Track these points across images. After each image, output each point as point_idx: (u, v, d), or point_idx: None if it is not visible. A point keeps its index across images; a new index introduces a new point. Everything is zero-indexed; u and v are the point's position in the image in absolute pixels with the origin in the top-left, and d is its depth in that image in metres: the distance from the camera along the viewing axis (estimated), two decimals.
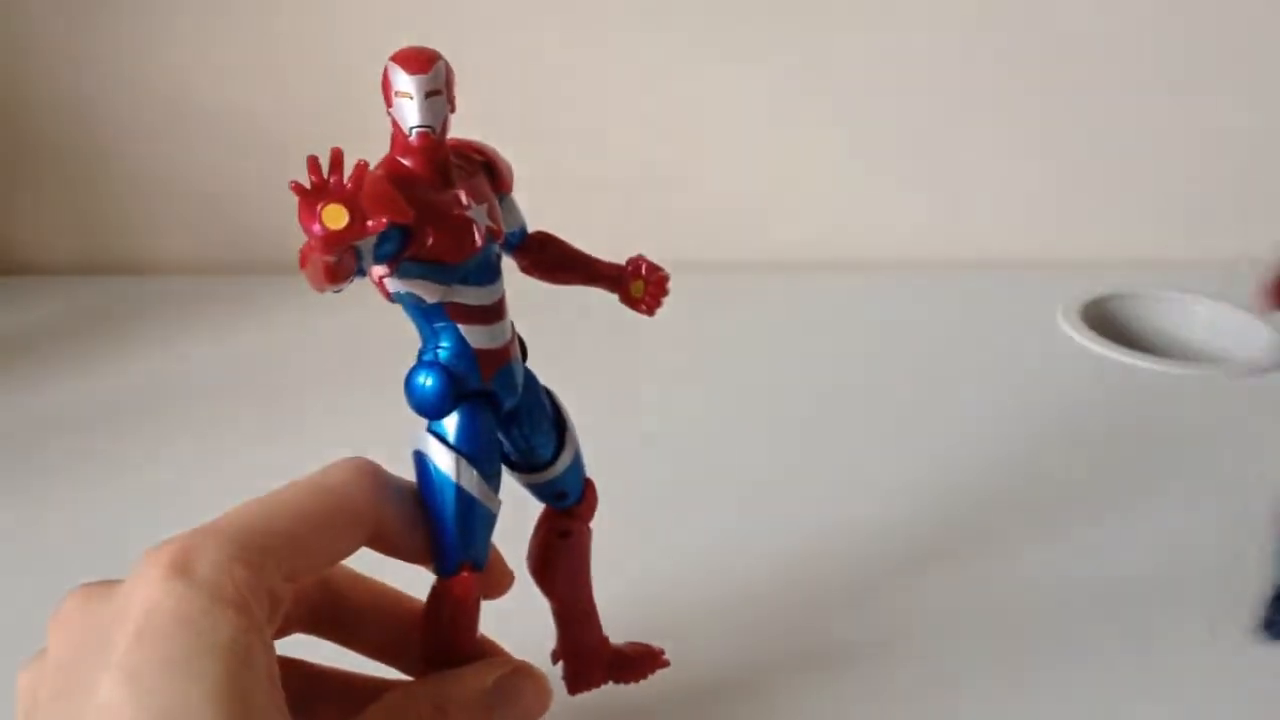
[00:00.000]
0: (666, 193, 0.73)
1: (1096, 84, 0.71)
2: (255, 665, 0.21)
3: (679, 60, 0.70)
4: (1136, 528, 0.45)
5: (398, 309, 0.25)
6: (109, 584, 0.23)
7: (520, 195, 0.27)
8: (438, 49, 0.24)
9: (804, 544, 0.44)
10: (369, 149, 0.74)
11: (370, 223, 0.20)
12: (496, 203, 0.26)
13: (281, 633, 0.26)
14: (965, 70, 0.70)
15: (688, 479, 0.48)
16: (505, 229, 0.26)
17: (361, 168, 0.21)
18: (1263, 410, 0.49)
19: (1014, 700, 0.36)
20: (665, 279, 0.29)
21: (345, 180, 0.21)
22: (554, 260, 0.28)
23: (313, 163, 0.20)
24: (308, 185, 0.20)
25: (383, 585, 0.29)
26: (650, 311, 0.29)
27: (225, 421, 0.55)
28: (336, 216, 0.20)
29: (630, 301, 0.29)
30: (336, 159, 0.21)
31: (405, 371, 0.26)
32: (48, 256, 0.76)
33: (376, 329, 0.65)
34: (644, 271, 0.29)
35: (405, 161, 0.24)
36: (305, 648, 0.27)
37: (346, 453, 0.55)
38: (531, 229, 0.28)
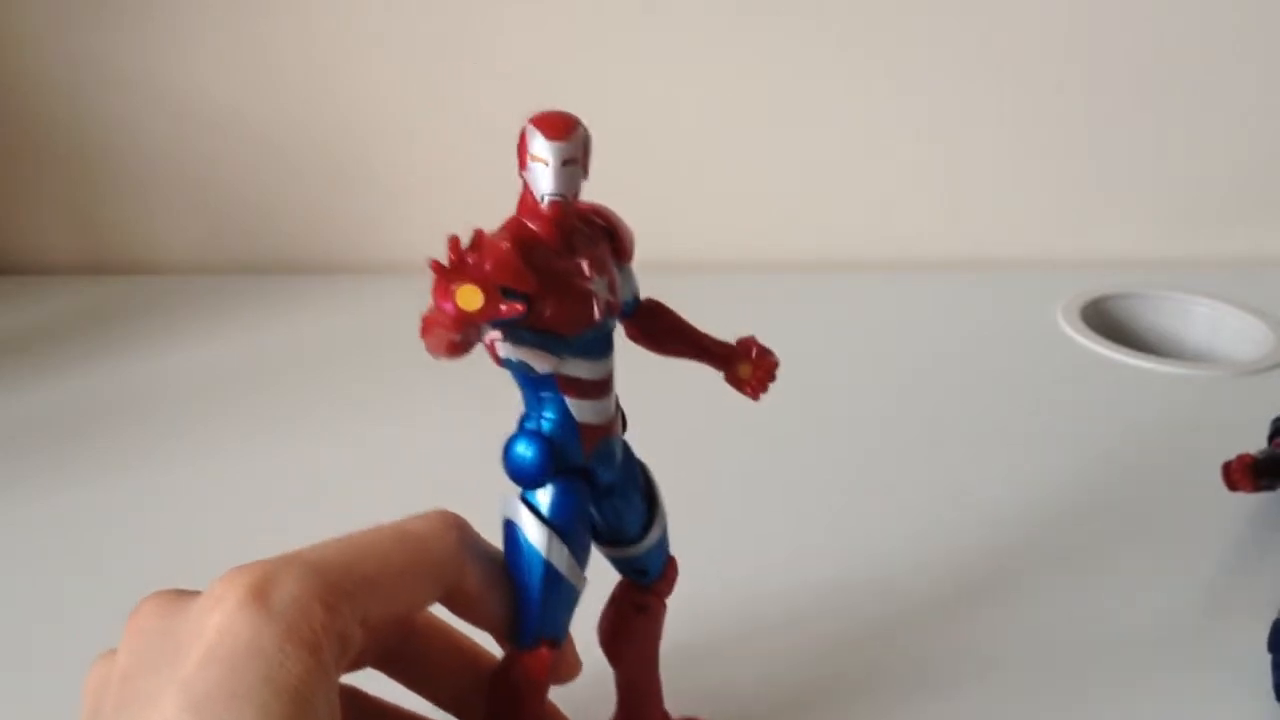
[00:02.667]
0: (666, 194, 0.73)
1: (1097, 84, 0.71)
2: (318, 710, 0.20)
3: (678, 61, 0.70)
4: (1136, 528, 0.45)
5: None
6: (186, 594, 0.23)
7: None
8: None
9: (800, 546, 0.44)
10: (365, 149, 0.74)
11: (504, 306, 0.20)
12: (617, 275, 0.25)
13: (352, 666, 0.26)
14: (966, 71, 0.70)
15: (684, 483, 0.48)
16: (626, 295, 0.26)
17: (492, 243, 0.21)
18: (1263, 410, 0.49)
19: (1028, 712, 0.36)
20: (774, 365, 0.28)
21: (484, 260, 0.20)
22: (663, 331, 0.28)
23: (453, 242, 0.20)
24: (445, 262, 0.20)
25: (461, 636, 0.28)
26: (755, 396, 0.28)
27: (226, 421, 0.55)
28: (471, 298, 0.20)
29: (736, 382, 0.28)
30: (478, 240, 0.21)
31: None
32: (48, 256, 0.76)
33: (378, 329, 0.65)
34: (753, 355, 0.28)
35: (531, 225, 0.23)
36: (373, 682, 0.27)
37: (346, 451, 0.55)
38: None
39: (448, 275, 0.20)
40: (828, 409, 0.54)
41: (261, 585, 0.21)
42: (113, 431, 0.54)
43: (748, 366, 0.28)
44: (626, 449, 0.27)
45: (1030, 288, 0.69)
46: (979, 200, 0.75)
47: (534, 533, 0.25)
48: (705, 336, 0.28)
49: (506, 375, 0.25)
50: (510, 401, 0.26)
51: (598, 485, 0.26)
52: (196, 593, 0.23)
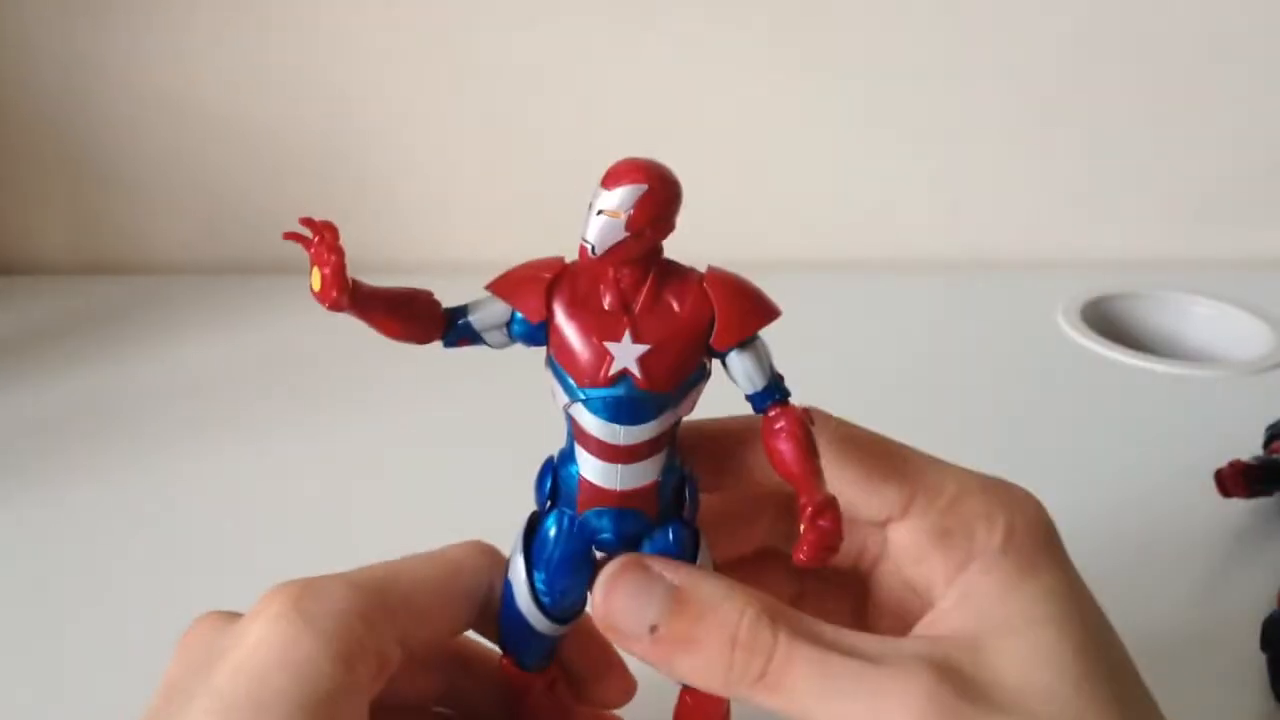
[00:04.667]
0: None
1: (1097, 84, 0.71)
2: None
3: (678, 62, 0.70)
4: (1135, 527, 0.45)
5: None
6: (235, 615, 0.23)
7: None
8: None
9: None
10: (365, 149, 0.74)
11: (336, 294, 0.23)
12: (682, 354, 0.23)
13: (420, 702, 0.27)
14: (965, 70, 0.70)
15: None
16: (743, 389, 0.24)
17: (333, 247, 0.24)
18: (1263, 410, 0.49)
19: None
20: (837, 536, 0.23)
21: (324, 247, 0.23)
22: (775, 451, 0.24)
23: (305, 222, 0.24)
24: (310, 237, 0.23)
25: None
26: (795, 558, 0.23)
27: (225, 422, 0.55)
28: (314, 279, 0.23)
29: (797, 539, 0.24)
30: (317, 226, 0.24)
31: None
32: (48, 256, 0.76)
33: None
34: (808, 517, 0.23)
35: (601, 265, 0.23)
36: None
37: (346, 451, 0.55)
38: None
39: (313, 253, 0.23)
40: (827, 408, 0.54)
41: (304, 600, 0.22)
42: (112, 431, 0.54)
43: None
44: (679, 532, 0.25)
45: (1030, 288, 0.69)
46: (979, 200, 0.75)
47: (515, 561, 0.25)
48: (812, 484, 0.23)
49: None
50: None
51: (601, 545, 0.25)
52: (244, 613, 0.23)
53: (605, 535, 0.24)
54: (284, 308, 0.68)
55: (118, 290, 0.72)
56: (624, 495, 0.24)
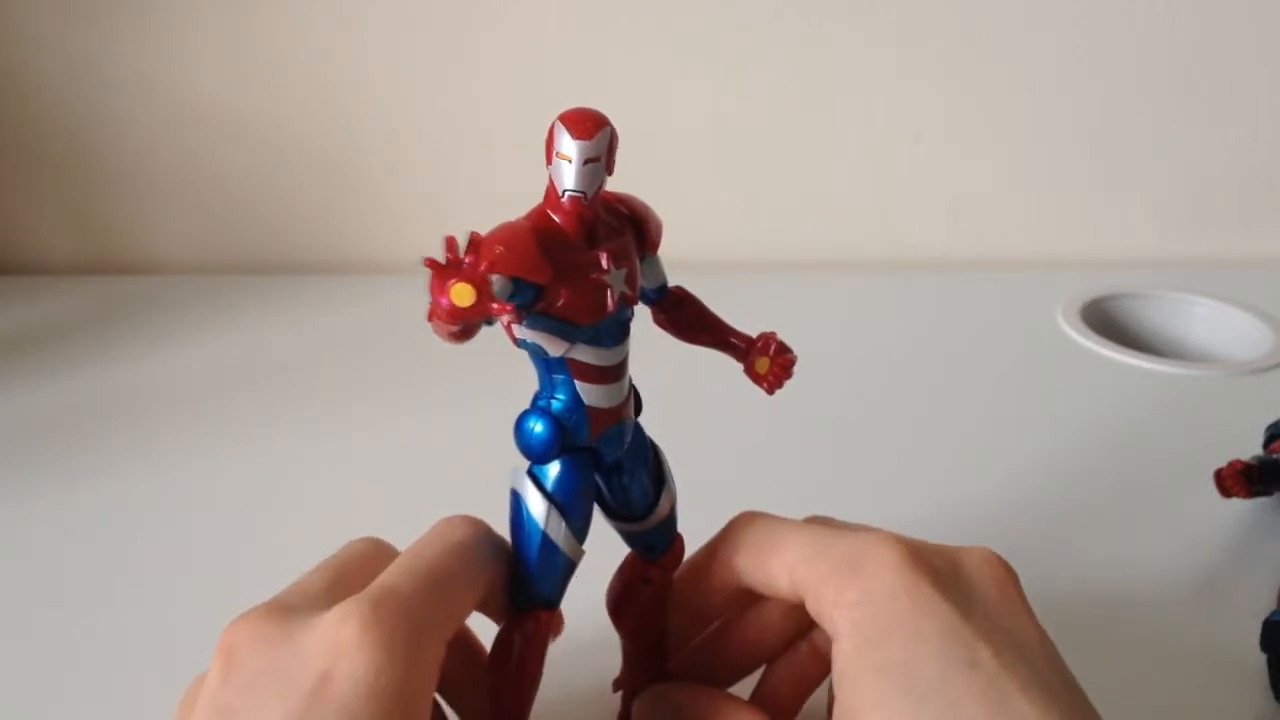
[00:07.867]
0: (666, 193, 0.73)
1: (1097, 84, 0.71)
2: None
3: (678, 62, 0.70)
4: (1135, 528, 0.45)
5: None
6: (284, 620, 0.23)
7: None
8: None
9: None
10: (365, 149, 0.74)
11: (495, 305, 0.21)
12: (638, 265, 0.26)
13: None
14: (967, 71, 0.70)
15: (683, 481, 0.48)
16: (647, 284, 0.27)
17: (502, 237, 0.22)
18: (1262, 410, 0.49)
19: None
20: (792, 361, 0.29)
21: (479, 261, 0.21)
22: (687, 320, 0.29)
23: (449, 241, 0.21)
24: (442, 260, 0.21)
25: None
26: (770, 390, 0.29)
27: (225, 421, 0.55)
28: (463, 294, 0.21)
29: (753, 375, 0.29)
30: (474, 242, 0.22)
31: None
32: (48, 256, 0.76)
33: (377, 329, 0.65)
34: (772, 350, 0.29)
35: (554, 216, 0.24)
36: None
37: (346, 451, 0.55)
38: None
39: (443, 272, 0.21)
40: (827, 409, 0.54)
41: (376, 626, 0.22)
42: (112, 431, 0.54)
43: (765, 361, 0.29)
44: (638, 430, 0.28)
45: (1030, 288, 0.69)
46: (979, 200, 0.75)
47: (536, 506, 0.26)
48: (728, 328, 0.29)
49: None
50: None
51: (603, 463, 0.27)
52: (290, 612, 0.23)
53: (609, 455, 0.27)
54: (283, 308, 0.68)
55: (118, 290, 0.72)
56: (622, 405, 0.26)
